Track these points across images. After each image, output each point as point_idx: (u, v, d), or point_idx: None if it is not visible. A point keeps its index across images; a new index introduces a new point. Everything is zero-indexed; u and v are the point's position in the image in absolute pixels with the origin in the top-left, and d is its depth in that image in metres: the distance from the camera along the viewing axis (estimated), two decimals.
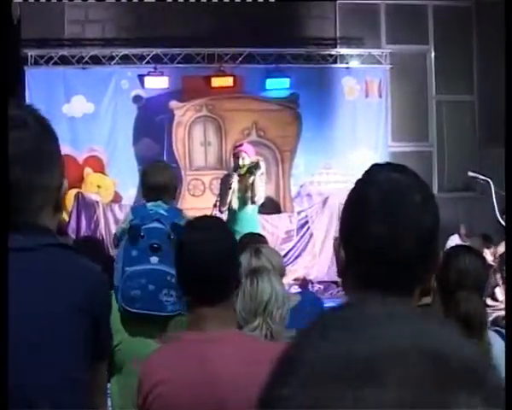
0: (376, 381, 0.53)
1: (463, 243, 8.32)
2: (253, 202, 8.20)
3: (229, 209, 8.24)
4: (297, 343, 0.61)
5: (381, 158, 11.83)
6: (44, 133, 1.87)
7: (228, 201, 8.25)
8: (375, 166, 1.55)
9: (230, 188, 8.18)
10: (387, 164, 1.61)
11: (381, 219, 1.42)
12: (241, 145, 8.68)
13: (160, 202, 3.41)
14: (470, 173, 9.50)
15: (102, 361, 2.05)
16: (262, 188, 8.34)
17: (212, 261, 2.19)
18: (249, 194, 8.18)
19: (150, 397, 2.12)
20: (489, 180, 8.88)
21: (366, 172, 1.53)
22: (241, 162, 8.27)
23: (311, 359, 0.58)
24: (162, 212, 3.12)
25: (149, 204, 3.26)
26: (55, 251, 1.85)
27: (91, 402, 1.91)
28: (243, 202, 8.21)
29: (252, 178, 8.17)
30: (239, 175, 8.19)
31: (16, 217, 1.78)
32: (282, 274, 3.65)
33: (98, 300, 1.90)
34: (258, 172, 8.24)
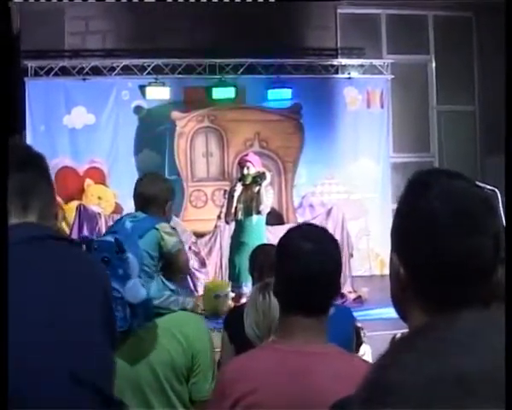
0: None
1: None
2: (258, 212, 8.16)
3: (236, 220, 8.20)
4: (388, 365, 0.62)
5: (382, 169, 11.82)
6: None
7: (232, 211, 8.21)
8: (429, 175, 1.48)
9: (233, 196, 8.14)
10: (441, 171, 1.54)
11: (460, 234, 1.35)
12: (246, 155, 8.65)
13: (138, 213, 3.34)
14: (476, 183, 9.46)
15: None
16: (269, 198, 8.30)
17: (323, 274, 2.13)
18: (254, 204, 8.14)
19: (241, 404, 2.06)
20: (496, 190, 8.83)
21: (420, 182, 1.45)
22: (245, 172, 8.24)
23: (413, 380, 0.58)
24: (127, 224, 3.06)
25: (126, 216, 3.22)
26: (68, 245, 2.01)
27: None
28: (248, 212, 8.17)
29: (257, 188, 8.13)
30: (244, 185, 8.16)
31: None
32: None
33: (110, 291, 2.12)
34: (264, 183, 8.20)
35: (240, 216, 8.19)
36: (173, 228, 3.45)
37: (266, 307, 3.11)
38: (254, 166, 8.32)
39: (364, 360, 2.38)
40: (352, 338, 3.88)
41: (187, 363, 3.07)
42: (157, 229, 3.26)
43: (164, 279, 3.17)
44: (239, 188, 8.18)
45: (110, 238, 2.97)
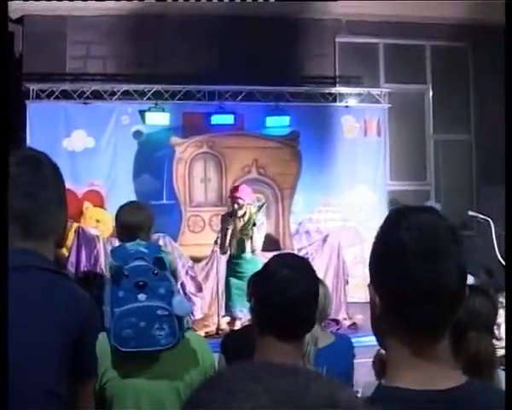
0: None
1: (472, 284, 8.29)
2: (252, 251, 8.22)
3: (230, 252, 8.28)
4: None
5: (379, 197, 11.90)
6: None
7: (226, 245, 8.29)
8: (399, 211, 1.60)
9: (226, 235, 8.20)
10: (411, 207, 1.65)
11: (426, 260, 1.46)
12: (236, 190, 8.59)
13: (138, 241, 3.45)
14: (470, 213, 9.55)
15: (87, 380, 2.28)
16: (262, 235, 8.35)
17: (298, 301, 2.21)
18: (247, 244, 8.19)
19: None
20: (489, 220, 8.92)
21: (392, 218, 1.57)
22: (236, 208, 8.28)
23: None
24: (143, 249, 3.15)
25: (128, 244, 3.30)
26: (49, 274, 2.13)
27: None
28: (242, 249, 8.23)
29: (250, 228, 8.18)
30: (235, 221, 8.21)
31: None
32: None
33: (82, 321, 2.16)
34: (259, 221, 8.24)
35: (233, 251, 8.26)
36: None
37: None
38: (244, 201, 8.35)
39: (342, 384, 2.42)
40: (351, 368, 3.92)
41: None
42: (165, 252, 3.38)
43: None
44: (231, 225, 8.21)
45: (141, 262, 3.06)
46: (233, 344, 3.63)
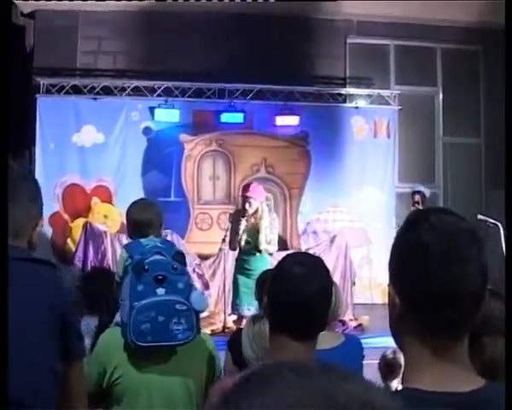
0: None
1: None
2: (259, 251, 8.10)
3: (240, 248, 8.21)
4: None
5: (387, 198, 11.87)
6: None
7: (237, 242, 8.23)
8: (419, 212, 1.59)
9: (236, 232, 8.13)
10: (433, 208, 1.65)
11: (447, 261, 1.45)
12: (247, 189, 8.47)
13: (151, 237, 3.44)
14: (479, 216, 9.53)
15: (74, 360, 2.44)
16: (274, 235, 8.24)
17: (312, 299, 2.19)
18: (258, 240, 8.10)
19: None
20: (498, 224, 8.90)
21: (412, 219, 1.56)
22: (247, 207, 8.18)
23: None
24: (159, 245, 3.16)
25: (143, 240, 3.30)
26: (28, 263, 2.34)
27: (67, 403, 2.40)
28: (251, 246, 8.16)
29: (264, 226, 8.09)
30: (247, 220, 8.13)
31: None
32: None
33: (65, 303, 2.40)
34: (270, 218, 8.18)
35: (244, 248, 8.19)
36: None
37: (256, 333, 3.23)
38: (256, 200, 8.26)
39: None
40: (360, 368, 3.90)
41: (209, 380, 3.15)
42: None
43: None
44: (243, 224, 8.13)
45: (160, 257, 3.06)
46: (239, 343, 3.63)
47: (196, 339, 3.07)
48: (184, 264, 3.09)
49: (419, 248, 1.48)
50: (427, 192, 11.01)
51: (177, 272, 3.02)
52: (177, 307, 2.96)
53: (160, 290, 2.98)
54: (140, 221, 4.02)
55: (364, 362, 4.09)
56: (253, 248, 8.07)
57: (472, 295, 1.47)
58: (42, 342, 2.29)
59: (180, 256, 3.07)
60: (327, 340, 3.99)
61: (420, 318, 1.49)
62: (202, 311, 3.09)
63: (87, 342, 4.79)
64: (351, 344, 3.85)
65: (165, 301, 2.96)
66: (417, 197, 10.96)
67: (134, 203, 4.32)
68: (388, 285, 1.57)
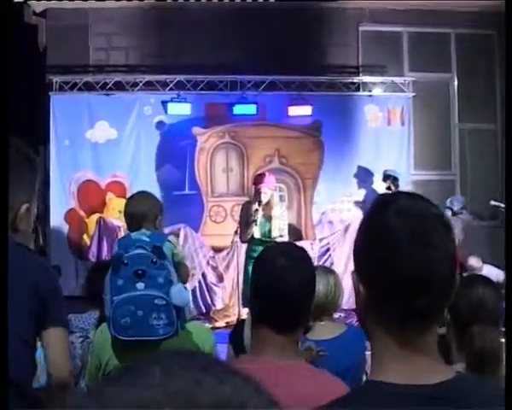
0: None
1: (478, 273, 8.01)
2: (272, 240, 8.13)
3: (252, 237, 8.21)
4: None
5: (402, 186, 11.79)
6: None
7: (247, 234, 8.23)
8: (387, 195, 1.53)
9: (249, 223, 8.13)
10: (401, 192, 1.59)
11: (415, 247, 1.38)
12: (261, 180, 8.47)
13: (143, 230, 3.45)
14: (492, 202, 9.43)
15: (58, 327, 2.57)
16: (284, 224, 8.27)
17: (294, 290, 2.15)
18: (270, 228, 8.13)
19: None
20: None
21: (379, 202, 1.50)
22: (263, 198, 8.18)
23: None
24: (144, 238, 3.15)
25: (133, 233, 3.30)
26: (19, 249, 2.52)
27: (52, 361, 2.58)
28: (261, 236, 8.16)
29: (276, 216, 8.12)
30: (263, 209, 8.14)
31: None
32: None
33: (45, 282, 2.56)
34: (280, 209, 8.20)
35: (256, 235, 8.19)
36: None
37: None
38: (270, 190, 8.29)
39: (334, 378, 2.32)
40: (363, 360, 3.85)
41: None
42: (169, 241, 3.37)
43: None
44: (260, 213, 8.13)
45: (141, 251, 3.05)
46: (241, 334, 3.61)
47: (185, 333, 3.06)
48: (163, 258, 3.06)
49: (385, 233, 1.41)
50: (398, 175, 10.86)
51: (157, 266, 3.01)
52: (156, 301, 2.95)
53: (140, 285, 2.97)
54: (134, 214, 4.04)
55: (368, 353, 4.05)
56: (264, 236, 8.08)
57: (440, 283, 1.39)
58: (23, 317, 2.46)
59: (158, 250, 3.05)
60: (327, 330, 3.97)
61: (384, 306, 1.41)
62: (182, 306, 3.05)
63: (91, 333, 4.81)
64: (352, 335, 3.81)
65: (143, 296, 2.96)
66: (388, 181, 10.82)
67: (131, 197, 4.34)
68: (352, 272, 1.50)
